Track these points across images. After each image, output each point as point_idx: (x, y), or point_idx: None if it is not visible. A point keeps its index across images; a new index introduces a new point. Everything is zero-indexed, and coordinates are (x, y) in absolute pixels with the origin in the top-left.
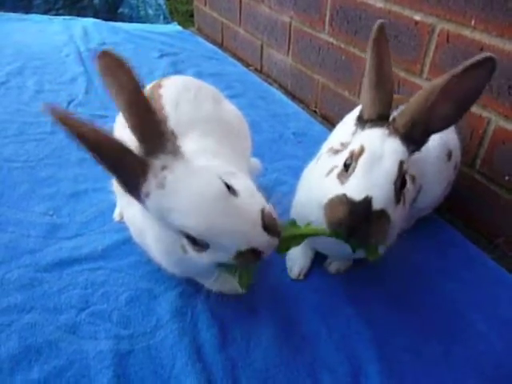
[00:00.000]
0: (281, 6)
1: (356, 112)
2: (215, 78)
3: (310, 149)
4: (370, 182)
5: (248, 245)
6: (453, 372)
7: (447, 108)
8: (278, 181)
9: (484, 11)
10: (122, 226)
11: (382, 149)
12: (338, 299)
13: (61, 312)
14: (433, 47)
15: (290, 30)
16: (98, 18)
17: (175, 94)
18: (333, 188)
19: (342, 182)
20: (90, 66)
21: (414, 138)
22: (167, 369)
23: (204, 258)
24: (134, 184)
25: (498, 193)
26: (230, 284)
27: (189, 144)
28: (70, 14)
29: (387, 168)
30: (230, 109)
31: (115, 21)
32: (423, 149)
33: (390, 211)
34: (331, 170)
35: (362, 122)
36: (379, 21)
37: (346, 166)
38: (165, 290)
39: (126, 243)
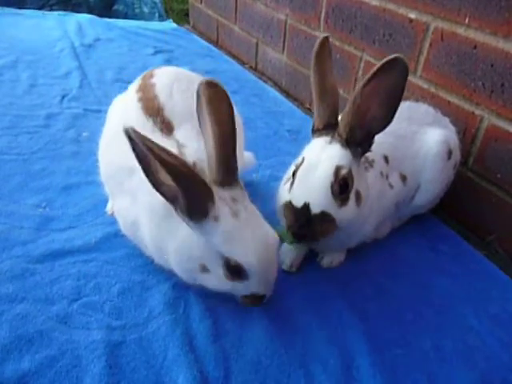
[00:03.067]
0: (277, 4)
1: None
2: (210, 75)
3: (304, 146)
4: (306, 189)
5: (266, 293)
6: (444, 366)
7: (375, 109)
8: (272, 177)
9: (478, 9)
10: (114, 220)
11: (318, 157)
12: (329, 293)
13: (53, 303)
14: (427, 45)
15: (285, 27)
16: (92, 14)
17: (168, 84)
18: (284, 195)
19: (289, 190)
20: (84, 62)
21: (356, 141)
22: (159, 359)
23: (228, 285)
24: (201, 206)
25: (490, 190)
26: None
27: (182, 135)
28: (64, 11)
29: (320, 174)
30: None
31: (110, 18)
32: (423, 146)
33: (333, 212)
34: (288, 178)
35: (312, 132)
36: (322, 35)
37: (293, 176)
38: (157, 282)
39: (118, 236)
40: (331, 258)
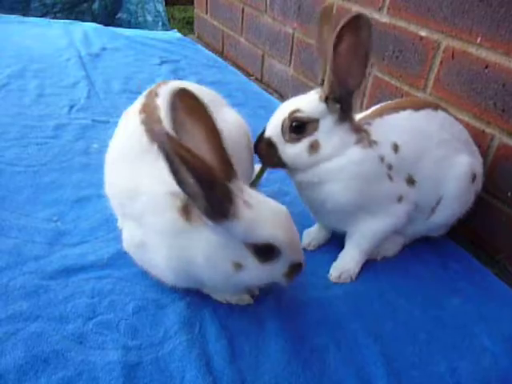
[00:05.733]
0: (284, 17)
1: None
2: (216, 87)
3: None
4: (270, 121)
5: (301, 259)
6: None
7: (349, 66)
8: (281, 191)
9: (490, 30)
10: None
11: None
12: (344, 313)
13: (67, 321)
14: (437, 63)
15: (292, 40)
16: (96, 22)
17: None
18: None
19: None
20: (90, 71)
21: (335, 97)
22: (177, 381)
23: (266, 270)
24: (223, 207)
25: (501, 209)
26: (238, 295)
27: None
28: (67, 18)
29: (280, 111)
30: (229, 116)
31: (113, 26)
32: (451, 157)
33: (278, 144)
34: None
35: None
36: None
37: None
38: (172, 300)
39: None
40: (340, 271)
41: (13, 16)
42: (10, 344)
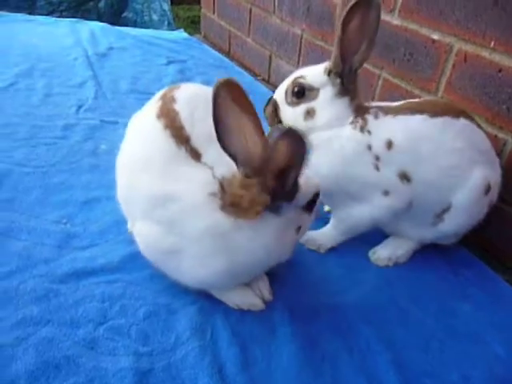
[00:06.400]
0: (293, 18)
1: None
2: None
3: None
4: (279, 89)
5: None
6: None
7: (353, 43)
8: None
9: (504, 34)
10: None
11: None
12: (355, 320)
13: (78, 326)
14: (450, 66)
15: (300, 42)
16: (101, 21)
17: (190, 113)
18: None
19: None
20: (98, 71)
21: (338, 72)
22: None
23: (309, 219)
24: (296, 184)
25: None
26: (250, 299)
27: (210, 161)
28: (73, 17)
29: (286, 79)
30: None
31: (119, 25)
32: (460, 173)
33: (280, 104)
34: None
35: None
36: None
37: None
38: (183, 305)
39: (140, 256)
40: (311, 240)
41: (19, 14)
42: (21, 349)
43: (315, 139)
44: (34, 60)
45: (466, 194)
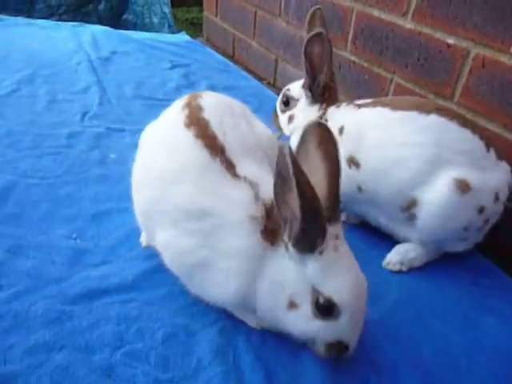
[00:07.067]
0: (299, 22)
1: None
2: (229, 92)
3: None
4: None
5: (353, 342)
6: None
7: (318, 66)
8: None
9: None
10: (150, 253)
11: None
12: (380, 338)
13: (94, 351)
14: (466, 71)
15: None
16: (101, 24)
17: (220, 121)
18: None
19: None
20: (101, 76)
21: (310, 87)
22: None
23: (314, 325)
24: (314, 240)
25: None
26: None
27: (247, 173)
28: (73, 20)
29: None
30: (261, 129)
31: (119, 27)
32: (421, 169)
33: (278, 110)
34: None
35: None
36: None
37: None
38: (202, 326)
39: (156, 272)
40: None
41: (19, 18)
42: (34, 378)
43: (294, 139)
44: (35, 65)
45: (433, 191)
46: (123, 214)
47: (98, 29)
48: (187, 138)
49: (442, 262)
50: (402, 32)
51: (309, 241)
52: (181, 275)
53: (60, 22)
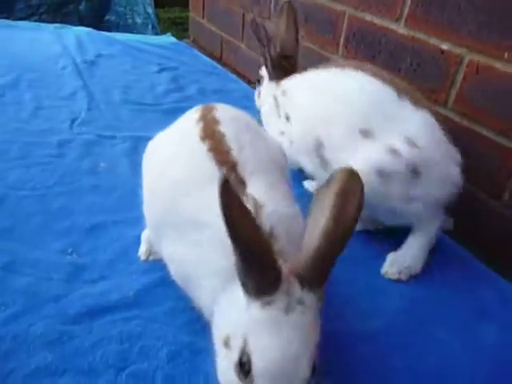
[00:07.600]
0: None
1: None
2: (220, 96)
3: None
4: None
5: None
6: None
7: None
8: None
9: None
10: (150, 266)
11: None
12: (384, 348)
13: (98, 374)
14: (460, 78)
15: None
16: (83, 24)
17: (237, 135)
18: None
19: None
20: (88, 80)
21: (266, 65)
22: None
23: (230, 379)
24: (258, 285)
25: None
26: None
27: (256, 192)
28: (53, 20)
29: None
30: (272, 143)
31: (101, 28)
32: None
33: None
34: None
35: None
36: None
37: None
38: (207, 343)
39: (158, 286)
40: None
41: (1, 20)
42: None
43: (263, 110)
44: (19, 70)
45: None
46: (118, 226)
47: (82, 30)
48: (201, 152)
49: (441, 269)
50: (395, 37)
51: (250, 283)
52: (185, 288)
53: (42, 24)
